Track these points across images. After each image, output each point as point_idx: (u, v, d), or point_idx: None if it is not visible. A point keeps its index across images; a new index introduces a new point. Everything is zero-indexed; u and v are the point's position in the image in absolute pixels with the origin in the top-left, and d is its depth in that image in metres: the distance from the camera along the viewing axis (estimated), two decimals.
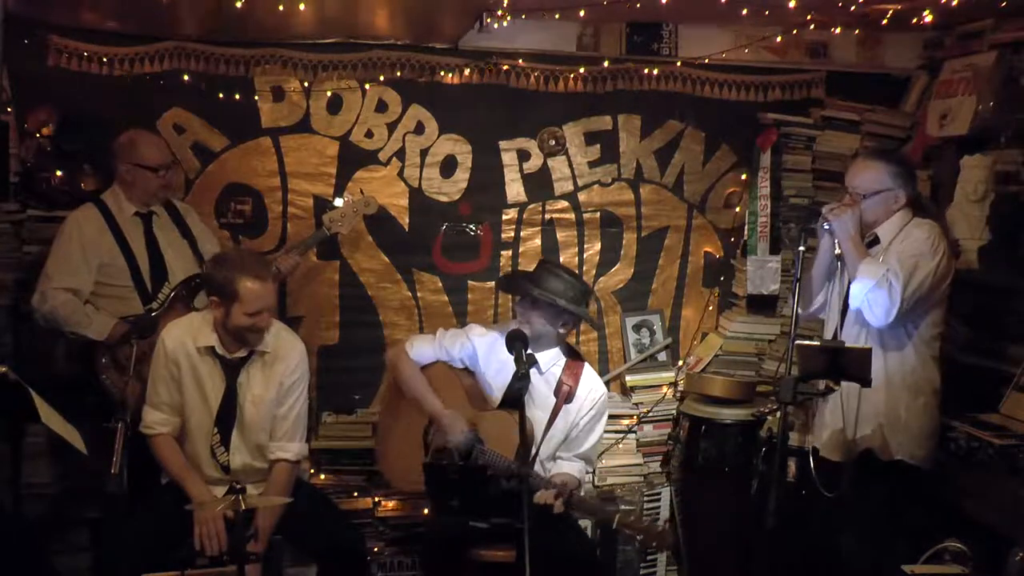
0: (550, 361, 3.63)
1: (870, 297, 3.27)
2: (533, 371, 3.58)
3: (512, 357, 3.22)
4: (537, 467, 3.53)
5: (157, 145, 3.90)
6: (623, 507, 4.02)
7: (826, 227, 3.36)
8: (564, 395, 3.59)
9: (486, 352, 3.67)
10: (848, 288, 3.40)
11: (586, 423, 3.63)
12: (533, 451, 3.48)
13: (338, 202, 4.15)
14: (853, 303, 3.37)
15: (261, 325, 3.32)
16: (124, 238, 3.77)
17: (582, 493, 3.66)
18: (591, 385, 3.66)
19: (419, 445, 3.63)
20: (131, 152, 3.79)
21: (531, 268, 3.79)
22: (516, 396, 3.49)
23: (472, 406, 3.63)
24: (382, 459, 3.80)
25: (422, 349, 3.70)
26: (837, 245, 3.37)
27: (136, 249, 3.79)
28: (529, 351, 3.56)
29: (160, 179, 3.82)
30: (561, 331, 3.62)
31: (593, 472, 4.24)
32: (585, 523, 4.03)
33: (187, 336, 3.39)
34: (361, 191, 4.26)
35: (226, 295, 3.27)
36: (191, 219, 4.01)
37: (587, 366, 3.73)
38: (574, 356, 3.73)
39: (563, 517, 3.43)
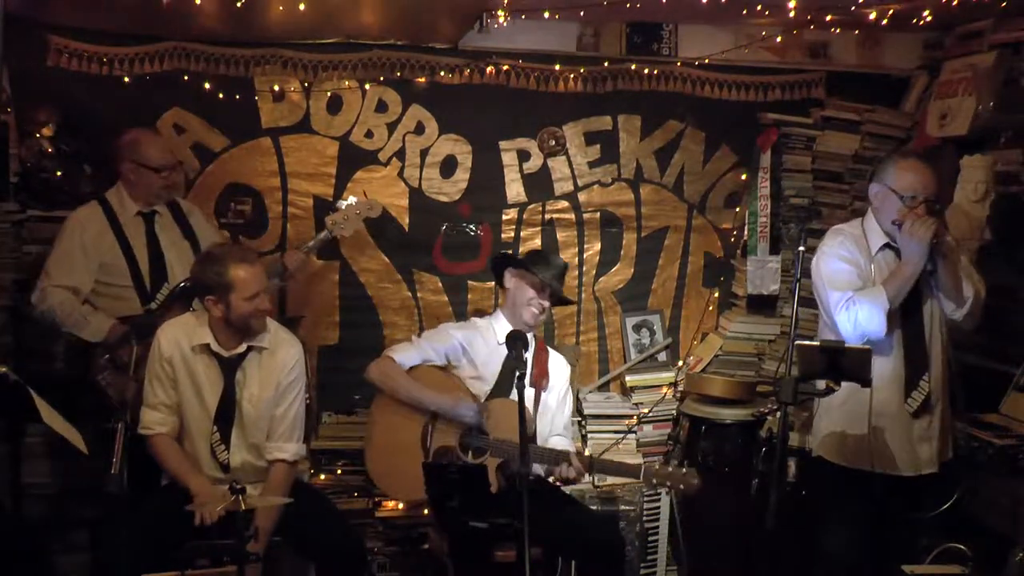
0: (529, 346, 3.70)
1: (982, 299, 3.29)
2: None
3: (503, 345, 3.35)
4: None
5: (160, 145, 3.89)
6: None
7: (935, 243, 3.16)
8: (542, 386, 3.67)
9: (471, 343, 3.73)
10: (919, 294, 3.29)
11: (559, 402, 3.78)
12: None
13: (341, 204, 4.12)
14: (967, 309, 3.28)
15: (263, 307, 3.34)
16: (125, 237, 3.77)
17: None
18: (562, 372, 3.82)
19: (413, 453, 3.63)
20: (134, 151, 3.79)
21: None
22: (511, 386, 3.56)
23: (467, 395, 3.65)
24: (378, 474, 3.76)
25: (406, 354, 3.71)
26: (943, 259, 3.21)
27: (137, 249, 3.79)
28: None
29: (163, 179, 3.82)
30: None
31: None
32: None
33: (182, 336, 3.38)
34: (364, 193, 4.25)
35: (221, 288, 3.27)
36: (195, 219, 4.00)
37: (551, 351, 3.87)
38: (541, 343, 3.86)
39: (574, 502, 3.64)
